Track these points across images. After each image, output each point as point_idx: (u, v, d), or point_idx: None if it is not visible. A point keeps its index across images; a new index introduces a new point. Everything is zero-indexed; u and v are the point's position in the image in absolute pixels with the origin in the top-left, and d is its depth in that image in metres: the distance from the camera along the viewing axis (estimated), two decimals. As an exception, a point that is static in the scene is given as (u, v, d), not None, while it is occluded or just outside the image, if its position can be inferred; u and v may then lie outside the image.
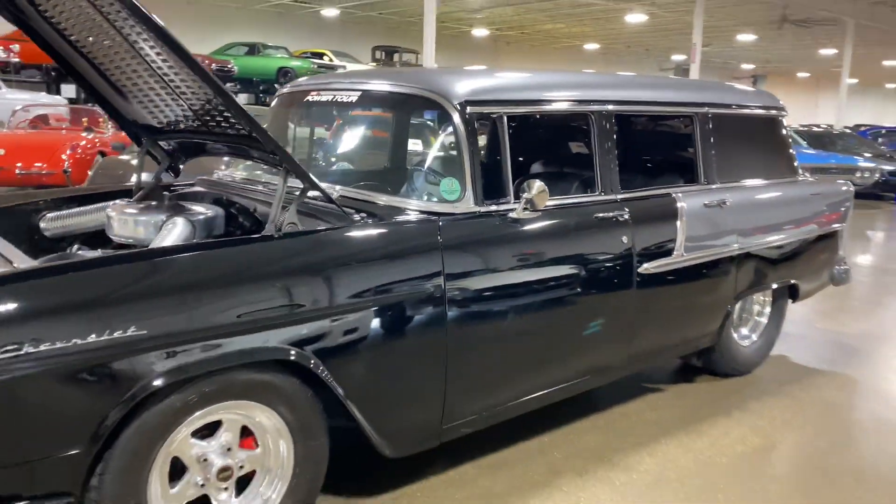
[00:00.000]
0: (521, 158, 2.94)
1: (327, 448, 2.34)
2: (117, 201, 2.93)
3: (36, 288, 1.91)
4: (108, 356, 1.85)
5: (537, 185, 2.68)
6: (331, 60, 20.30)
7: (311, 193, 2.53)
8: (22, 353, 1.73)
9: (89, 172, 9.04)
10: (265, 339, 2.11)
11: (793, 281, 4.10)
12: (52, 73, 17.83)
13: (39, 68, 18.35)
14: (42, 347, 1.76)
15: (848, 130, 17.94)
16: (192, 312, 1.99)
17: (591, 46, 33.19)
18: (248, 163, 3.45)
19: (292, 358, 2.15)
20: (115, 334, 1.85)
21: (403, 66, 23.20)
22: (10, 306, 1.80)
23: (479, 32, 28.94)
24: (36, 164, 9.09)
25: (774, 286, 4.00)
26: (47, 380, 1.79)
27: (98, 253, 2.79)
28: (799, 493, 2.90)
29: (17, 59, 17.26)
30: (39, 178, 8.95)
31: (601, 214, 3.07)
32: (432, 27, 13.43)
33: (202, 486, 2.14)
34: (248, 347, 2.08)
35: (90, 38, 2.62)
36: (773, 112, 4.14)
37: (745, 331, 4.13)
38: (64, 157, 9.13)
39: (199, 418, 2.08)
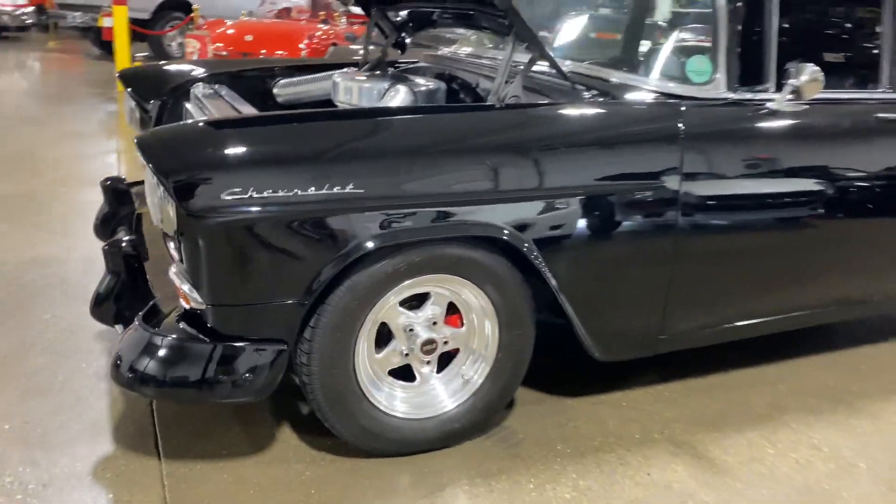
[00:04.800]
0: (788, 39, 2.47)
1: (533, 339, 2.20)
2: (344, 70, 2.93)
3: (261, 135, 1.93)
4: (326, 211, 1.82)
5: (810, 69, 2.23)
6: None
7: (539, 67, 2.31)
8: (246, 196, 1.75)
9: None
10: (478, 214, 1.97)
11: None
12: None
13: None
14: (265, 194, 1.76)
15: None
16: (407, 177, 1.91)
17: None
18: (473, 38, 3.29)
19: (505, 237, 2.00)
20: (334, 189, 1.81)
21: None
22: (237, 150, 1.84)
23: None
24: (276, 52, 9.72)
25: None
26: (267, 227, 1.80)
27: None
28: None
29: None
30: (279, 65, 9.59)
31: (884, 115, 2.53)
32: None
33: (406, 355, 2.11)
34: (459, 221, 1.96)
35: None
36: None
37: None
38: (301, 45, 9.66)
39: (408, 288, 2.02)
